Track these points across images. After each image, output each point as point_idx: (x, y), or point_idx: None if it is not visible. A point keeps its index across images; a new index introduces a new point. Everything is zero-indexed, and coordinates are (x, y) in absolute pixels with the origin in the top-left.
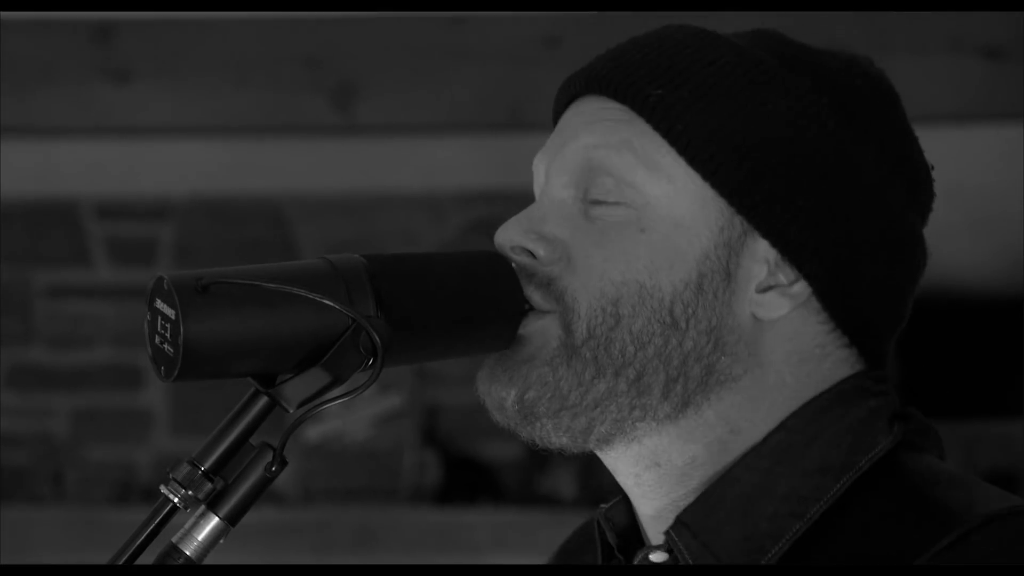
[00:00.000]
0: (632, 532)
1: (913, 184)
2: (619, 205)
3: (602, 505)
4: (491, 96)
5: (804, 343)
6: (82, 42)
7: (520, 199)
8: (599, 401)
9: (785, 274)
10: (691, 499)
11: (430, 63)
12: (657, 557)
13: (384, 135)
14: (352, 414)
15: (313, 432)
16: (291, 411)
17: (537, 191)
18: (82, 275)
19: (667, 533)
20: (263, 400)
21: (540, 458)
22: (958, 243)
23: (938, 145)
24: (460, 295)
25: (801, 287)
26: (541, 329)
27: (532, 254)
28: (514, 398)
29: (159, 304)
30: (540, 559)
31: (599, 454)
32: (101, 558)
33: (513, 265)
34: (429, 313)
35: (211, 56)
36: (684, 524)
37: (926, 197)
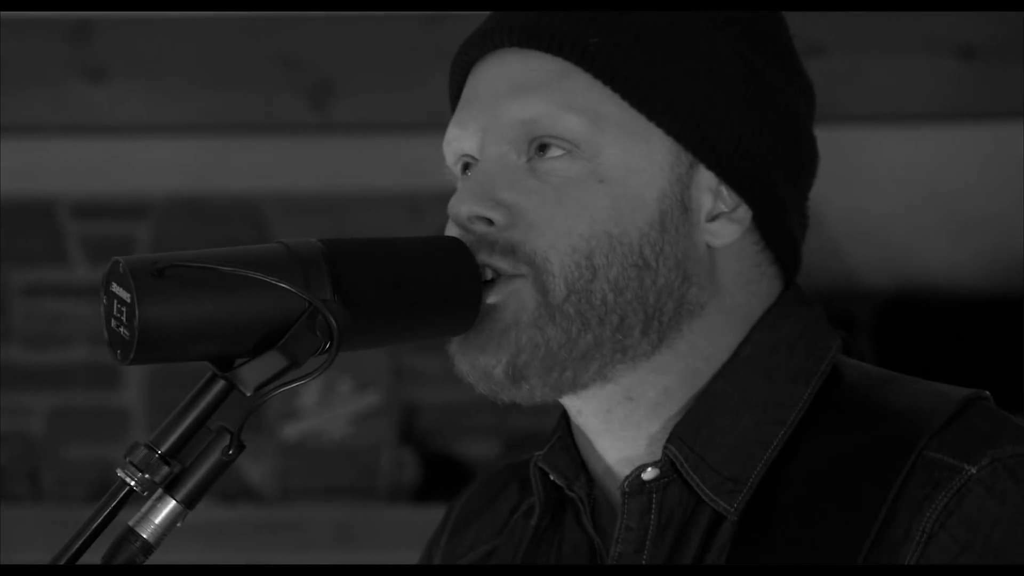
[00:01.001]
0: (574, 477)
1: (809, 96)
2: (570, 159)
3: (536, 452)
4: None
5: (746, 264)
6: (58, 41)
7: None
8: (586, 352)
9: (727, 201)
10: (663, 429)
11: (407, 62)
12: (649, 474)
13: (361, 134)
14: (329, 412)
15: (291, 431)
16: (248, 394)
17: (454, 161)
18: (59, 274)
19: (665, 448)
20: (220, 383)
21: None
22: (935, 243)
23: (915, 145)
24: (417, 279)
25: (743, 211)
26: (513, 293)
27: (490, 221)
28: (505, 364)
29: (115, 288)
30: None
31: (565, 399)
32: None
33: (472, 238)
34: (386, 297)
35: (188, 55)
36: (678, 437)
37: (814, 100)
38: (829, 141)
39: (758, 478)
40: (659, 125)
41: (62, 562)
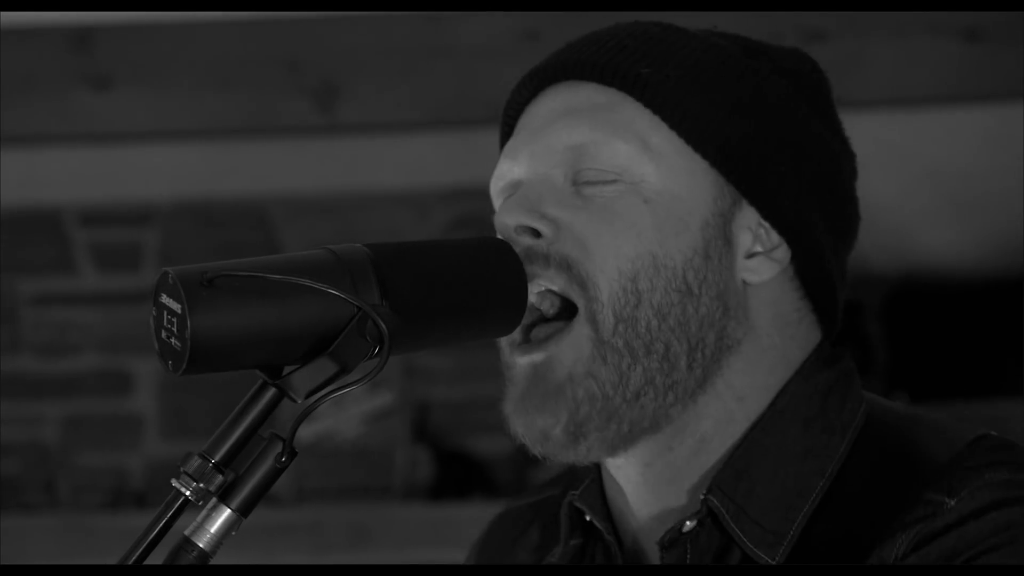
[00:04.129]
0: (603, 522)
1: (851, 157)
2: (614, 183)
3: (571, 491)
4: (471, 92)
5: (784, 307)
6: (61, 49)
7: None
8: (639, 391)
9: (766, 241)
10: (703, 481)
11: (410, 61)
12: (687, 527)
13: (366, 134)
14: (343, 412)
15: (305, 432)
16: (299, 401)
17: (501, 186)
18: (67, 282)
19: (704, 498)
20: (271, 391)
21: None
22: (939, 226)
23: (918, 127)
24: (464, 280)
25: (783, 252)
26: (570, 343)
27: (537, 233)
28: (565, 423)
29: (164, 299)
30: None
31: (610, 460)
32: (96, 564)
33: (519, 249)
34: (433, 299)
35: (191, 60)
36: (719, 488)
37: (855, 165)
38: None
39: (799, 530)
40: (705, 157)
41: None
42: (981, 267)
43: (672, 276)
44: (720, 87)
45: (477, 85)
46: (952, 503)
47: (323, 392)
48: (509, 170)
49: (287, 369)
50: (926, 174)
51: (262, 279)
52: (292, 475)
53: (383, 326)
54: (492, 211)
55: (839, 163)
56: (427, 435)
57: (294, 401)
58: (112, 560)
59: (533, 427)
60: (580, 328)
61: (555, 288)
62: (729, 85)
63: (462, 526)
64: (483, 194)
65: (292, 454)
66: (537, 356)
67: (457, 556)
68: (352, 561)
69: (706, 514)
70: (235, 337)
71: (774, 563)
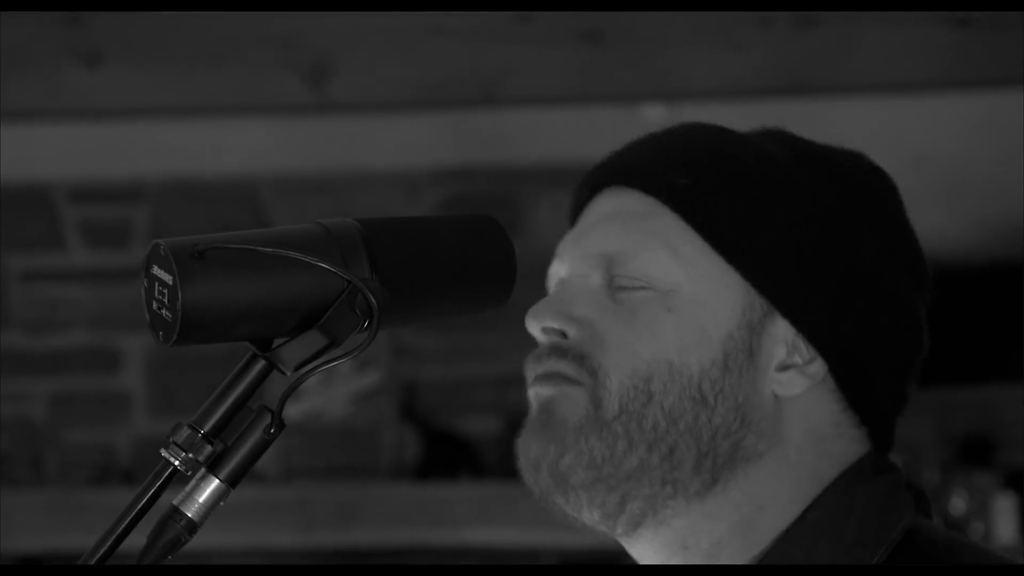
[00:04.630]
0: None
1: (914, 271)
2: (644, 290)
3: None
4: (464, 73)
5: (820, 421)
6: (53, 25)
7: (494, 175)
8: (632, 473)
9: (802, 354)
10: None
11: (403, 41)
12: None
13: (358, 113)
14: (331, 392)
15: (293, 411)
16: (288, 373)
17: (553, 283)
18: (56, 259)
19: None
20: (260, 363)
21: (519, 431)
22: (928, 211)
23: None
24: (454, 255)
25: (818, 366)
26: (568, 395)
27: (563, 334)
28: (551, 461)
29: (156, 271)
30: (522, 532)
31: (626, 543)
32: (83, 540)
33: (545, 345)
34: (423, 274)
35: (183, 37)
36: None
37: (926, 283)
38: (823, 112)
39: None
40: (736, 267)
41: (107, 544)
42: (971, 252)
43: (687, 384)
44: (760, 196)
45: (470, 65)
46: None
47: (312, 365)
48: (557, 271)
49: (277, 342)
50: (918, 160)
51: (253, 252)
52: (279, 453)
53: (372, 300)
54: (485, 191)
55: (894, 283)
56: (415, 415)
57: (283, 373)
58: (98, 534)
59: (529, 455)
60: (581, 397)
61: (564, 374)
62: (770, 194)
63: (449, 506)
64: (474, 174)
65: (280, 426)
66: (545, 391)
67: (443, 536)
68: (338, 540)
69: None
70: (226, 308)
71: None
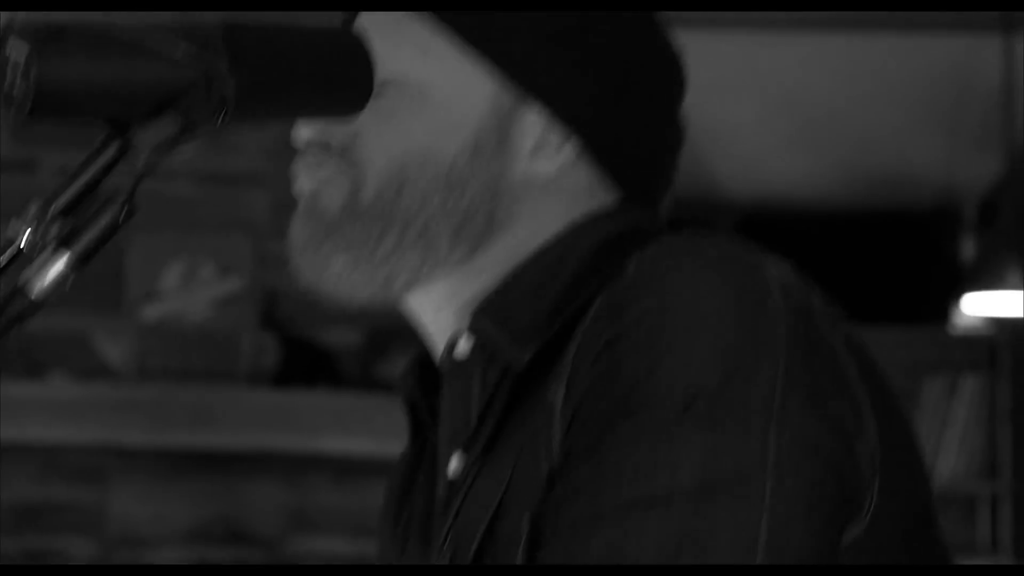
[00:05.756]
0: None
1: (671, 68)
2: (397, 87)
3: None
4: None
5: (577, 191)
6: None
7: None
8: (390, 254)
9: (556, 136)
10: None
11: None
12: (463, 343)
13: None
14: (191, 295)
15: (151, 311)
16: (143, 156)
17: None
18: None
19: (472, 313)
20: (115, 144)
21: (379, 345)
22: (794, 154)
23: (776, 54)
24: (313, 56)
25: (570, 148)
26: (328, 181)
27: (327, 145)
28: (314, 244)
29: (11, 44)
30: (378, 443)
31: (402, 304)
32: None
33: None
34: (281, 68)
35: None
36: (483, 310)
37: (682, 79)
38: (690, 47)
39: (551, 334)
40: (485, 54)
41: None
42: (836, 198)
43: (438, 170)
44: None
45: None
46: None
47: (165, 146)
48: None
49: (134, 125)
50: (783, 102)
51: (111, 31)
52: (134, 351)
53: (225, 88)
54: None
55: (650, 71)
56: (275, 322)
57: (137, 156)
58: None
59: (294, 238)
60: (341, 182)
61: (327, 164)
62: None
63: (305, 413)
64: None
65: (131, 211)
66: (308, 183)
67: (298, 442)
68: (193, 442)
69: (475, 334)
70: (81, 82)
71: (524, 360)
